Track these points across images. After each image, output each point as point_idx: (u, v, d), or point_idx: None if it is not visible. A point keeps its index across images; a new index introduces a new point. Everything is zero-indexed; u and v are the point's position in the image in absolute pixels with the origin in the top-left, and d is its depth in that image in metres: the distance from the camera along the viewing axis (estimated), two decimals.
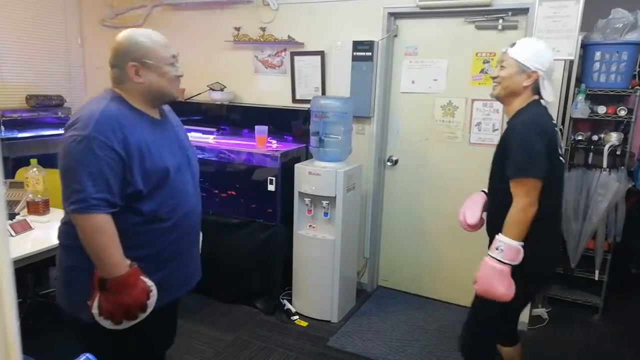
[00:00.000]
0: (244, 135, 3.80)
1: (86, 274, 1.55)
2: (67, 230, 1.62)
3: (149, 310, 1.59)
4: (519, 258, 1.83)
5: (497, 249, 1.85)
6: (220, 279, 3.53)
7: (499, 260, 1.84)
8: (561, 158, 1.98)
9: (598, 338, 3.21)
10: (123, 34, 1.63)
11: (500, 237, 1.85)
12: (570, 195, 3.22)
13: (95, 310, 1.53)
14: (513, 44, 1.99)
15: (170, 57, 1.66)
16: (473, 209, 2.05)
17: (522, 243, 1.83)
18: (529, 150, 1.82)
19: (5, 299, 0.61)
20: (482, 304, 2.05)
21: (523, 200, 1.82)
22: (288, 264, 3.41)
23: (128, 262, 1.55)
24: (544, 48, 1.98)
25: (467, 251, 3.52)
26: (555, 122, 2.04)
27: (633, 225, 3.41)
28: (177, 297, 1.85)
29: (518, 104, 1.96)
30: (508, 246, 1.82)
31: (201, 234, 1.95)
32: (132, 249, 1.59)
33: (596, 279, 3.34)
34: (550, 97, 1.96)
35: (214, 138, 3.76)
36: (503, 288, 1.84)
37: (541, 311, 3.39)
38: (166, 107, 1.83)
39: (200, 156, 3.58)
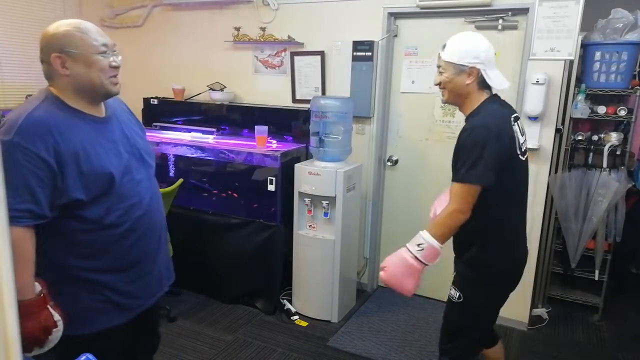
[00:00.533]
0: (244, 135, 3.80)
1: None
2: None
3: (47, 346, 1.43)
4: (435, 261, 1.79)
5: (418, 245, 1.78)
6: (220, 279, 3.53)
7: (416, 257, 1.78)
8: (520, 156, 1.85)
9: (598, 338, 3.21)
10: (49, 26, 1.49)
11: (424, 235, 1.79)
12: (570, 195, 3.22)
13: None
14: (444, 46, 1.91)
15: (100, 45, 1.49)
16: (445, 204, 1.94)
17: (442, 246, 1.80)
18: (473, 156, 1.72)
19: (5, 299, 0.61)
20: (450, 313, 2.07)
21: (454, 205, 1.76)
22: (288, 264, 3.41)
23: (38, 289, 1.42)
24: (474, 39, 1.88)
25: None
26: (515, 113, 1.91)
27: (633, 225, 3.40)
28: (151, 304, 1.75)
29: (470, 104, 1.88)
30: (430, 246, 1.77)
31: (167, 234, 1.86)
32: (89, 259, 1.52)
33: (596, 279, 3.33)
34: (502, 84, 1.86)
35: (214, 138, 3.76)
36: (411, 285, 1.80)
37: (541, 311, 3.39)
38: (114, 102, 1.67)
39: (200, 156, 3.59)
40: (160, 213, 1.76)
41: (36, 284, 1.42)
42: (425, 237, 1.79)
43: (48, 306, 1.44)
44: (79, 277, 1.52)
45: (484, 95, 1.88)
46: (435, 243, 1.78)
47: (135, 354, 1.91)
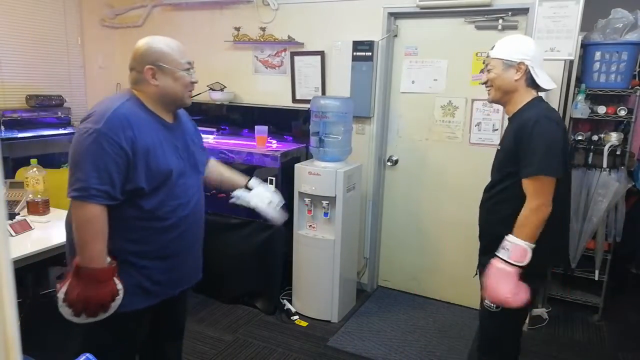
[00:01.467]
0: (244, 135, 3.80)
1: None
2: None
3: (110, 311, 1.62)
4: (526, 259, 1.74)
5: (503, 248, 1.77)
6: (221, 279, 3.53)
7: (505, 261, 1.75)
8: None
9: (598, 338, 3.21)
10: (143, 40, 1.72)
11: (508, 238, 1.77)
12: (570, 195, 3.21)
13: (61, 295, 1.58)
14: (493, 47, 1.94)
15: (186, 63, 1.73)
16: None
17: (532, 244, 1.74)
18: (546, 146, 1.72)
19: (5, 299, 0.61)
20: (489, 325, 2.01)
21: (536, 201, 1.73)
22: (288, 264, 3.41)
23: (109, 259, 1.61)
24: (524, 39, 1.94)
25: (467, 251, 3.52)
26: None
27: (633, 225, 3.41)
28: (176, 294, 1.90)
29: (518, 100, 1.89)
30: (514, 245, 1.74)
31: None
32: (134, 243, 1.68)
33: (596, 279, 3.34)
34: (549, 84, 1.88)
35: (214, 138, 3.76)
36: (507, 289, 1.74)
37: (541, 311, 3.38)
38: (183, 113, 1.90)
39: None
40: (202, 218, 1.95)
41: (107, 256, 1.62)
42: (509, 239, 1.77)
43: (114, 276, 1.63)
44: (125, 259, 1.67)
45: (532, 94, 1.89)
46: (518, 242, 1.74)
47: (160, 342, 2.06)
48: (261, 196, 2.11)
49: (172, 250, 1.78)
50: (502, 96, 1.93)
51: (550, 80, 1.89)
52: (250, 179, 2.17)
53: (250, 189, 2.13)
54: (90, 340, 1.73)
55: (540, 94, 1.93)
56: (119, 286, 1.62)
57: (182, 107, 1.83)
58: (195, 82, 1.80)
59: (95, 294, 1.56)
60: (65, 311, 1.59)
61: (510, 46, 1.88)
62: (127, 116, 1.61)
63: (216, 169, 2.20)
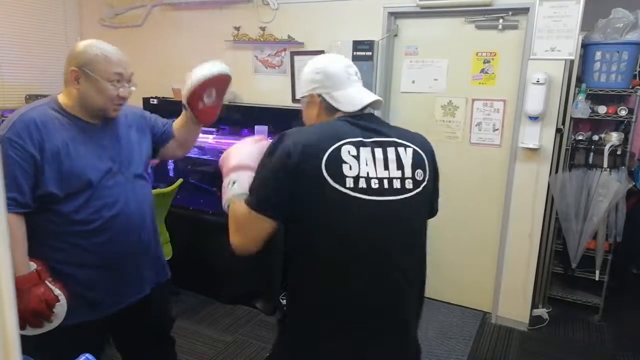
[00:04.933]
0: (244, 135, 3.79)
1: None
2: None
3: (57, 321, 1.56)
4: None
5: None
6: (220, 279, 3.52)
7: None
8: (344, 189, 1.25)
9: (598, 338, 3.21)
10: (86, 41, 1.65)
11: None
12: (570, 195, 3.21)
13: None
14: None
15: (114, 74, 1.62)
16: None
17: None
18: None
19: (5, 299, 0.60)
20: None
21: None
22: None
23: (34, 266, 1.54)
24: (309, 65, 1.48)
25: (467, 251, 3.52)
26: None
27: (633, 226, 3.40)
28: (130, 303, 1.78)
29: None
30: None
31: (163, 235, 1.88)
32: (59, 251, 1.61)
33: (597, 279, 3.33)
34: (353, 104, 1.40)
35: (214, 138, 3.75)
36: None
37: (541, 311, 3.38)
38: (125, 108, 1.79)
39: (199, 156, 3.58)
40: (142, 216, 1.77)
41: (32, 262, 1.55)
42: None
43: (46, 281, 1.56)
44: (52, 267, 1.60)
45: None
46: None
47: (139, 351, 1.99)
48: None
49: (105, 256, 1.67)
50: None
51: (360, 96, 1.42)
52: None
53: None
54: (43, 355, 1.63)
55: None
56: (56, 292, 1.54)
57: (105, 117, 1.69)
58: (124, 97, 1.67)
59: (21, 304, 1.48)
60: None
61: (301, 81, 1.51)
62: (35, 119, 1.55)
63: (176, 128, 1.99)
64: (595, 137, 3.23)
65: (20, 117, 1.55)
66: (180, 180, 3.24)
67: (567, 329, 3.31)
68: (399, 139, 1.35)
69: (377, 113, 3.52)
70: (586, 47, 3.14)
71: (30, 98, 4.01)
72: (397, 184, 1.30)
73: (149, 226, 1.82)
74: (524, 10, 3.02)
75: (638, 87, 3.07)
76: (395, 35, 3.46)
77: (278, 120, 3.70)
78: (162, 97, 4.20)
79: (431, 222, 3.72)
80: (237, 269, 3.55)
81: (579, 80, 3.20)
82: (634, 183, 3.24)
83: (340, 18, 3.52)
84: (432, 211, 1.53)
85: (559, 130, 3.09)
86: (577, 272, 3.41)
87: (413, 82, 3.48)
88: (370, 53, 3.39)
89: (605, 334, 3.26)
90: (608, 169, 3.16)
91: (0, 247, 0.59)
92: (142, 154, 1.84)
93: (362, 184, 1.25)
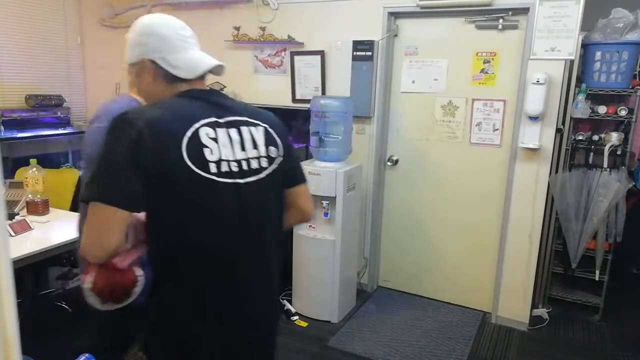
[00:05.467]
0: None
1: None
2: None
3: (132, 297, 1.58)
4: None
5: None
6: None
7: None
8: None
9: (598, 338, 3.21)
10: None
11: None
12: (570, 195, 3.21)
13: (87, 285, 1.55)
14: None
15: None
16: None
17: None
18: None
19: (5, 299, 0.60)
20: None
21: None
22: (288, 265, 3.40)
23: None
24: (135, 27, 1.38)
25: (467, 251, 3.52)
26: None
27: (633, 226, 3.40)
28: None
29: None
30: None
31: None
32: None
33: (597, 279, 3.33)
34: (190, 71, 1.32)
35: None
36: None
37: (542, 311, 3.38)
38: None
39: None
40: None
41: None
42: None
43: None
44: None
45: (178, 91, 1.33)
46: None
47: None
48: None
49: None
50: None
51: (199, 59, 1.36)
52: None
53: None
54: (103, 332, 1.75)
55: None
56: (138, 272, 1.62)
57: None
58: None
59: (121, 280, 1.55)
60: (93, 300, 1.57)
61: (128, 45, 1.38)
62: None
63: None
64: (595, 137, 3.24)
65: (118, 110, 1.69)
66: None
67: (567, 329, 3.31)
68: (250, 117, 1.33)
69: (378, 112, 3.54)
70: (586, 47, 3.14)
71: (30, 98, 4.01)
72: (254, 164, 1.29)
73: None
74: (524, 10, 3.02)
75: (638, 87, 3.07)
76: (395, 35, 3.46)
77: None
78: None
79: (432, 222, 3.70)
80: None
81: (579, 80, 3.20)
82: (634, 183, 3.24)
83: (340, 18, 3.52)
84: (295, 180, 1.46)
85: (559, 130, 3.09)
86: (577, 272, 3.41)
87: (413, 82, 3.48)
88: (370, 53, 3.39)
89: (605, 334, 3.26)
90: (608, 169, 3.16)
91: (0, 249, 0.59)
92: None
93: (225, 167, 1.22)
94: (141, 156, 1.11)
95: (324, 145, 3.22)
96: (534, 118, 3.01)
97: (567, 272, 3.46)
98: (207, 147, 1.20)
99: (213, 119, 1.24)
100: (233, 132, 1.27)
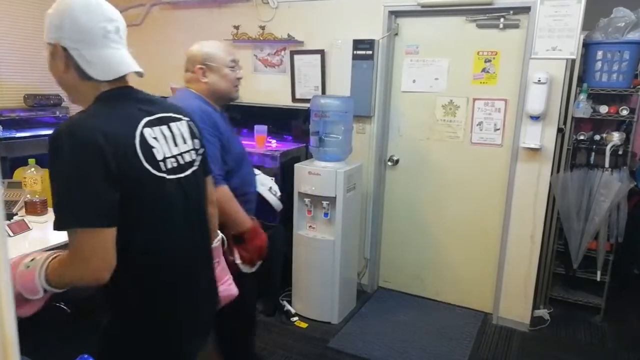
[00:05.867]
0: (243, 134, 3.77)
1: None
2: None
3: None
4: None
5: None
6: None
7: None
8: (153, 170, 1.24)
9: (600, 339, 3.20)
10: (194, 44, 1.99)
11: None
12: (572, 195, 3.20)
13: (238, 261, 1.90)
14: None
15: (230, 61, 1.96)
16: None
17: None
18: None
19: (3, 299, 0.59)
20: None
21: None
22: (288, 265, 3.38)
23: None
24: (57, 2, 1.24)
25: (468, 252, 3.51)
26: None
27: (635, 226, 3.39)
28: None
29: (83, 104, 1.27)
30: None
31: None
32: None
33: (598, 279, 3.32)
34: (104, 72, 1.21)
35: None
36: None
37: (543, 312, 3.37)
38: None
39: None
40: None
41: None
42: None
43: None
44: None
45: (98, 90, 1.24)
46: None
47: None
48: (263, 181, 2.33)
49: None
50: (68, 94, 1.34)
51: (120, 61, 1.25)
52: None
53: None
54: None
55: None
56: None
57: (231, 101, 2.07)
58: (240, 78, 2.02)
59: (262, 240, 1.97)
60: (245, 268, 1.93)
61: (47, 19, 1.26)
62: (208, 111, 1.88)
63: None
64: (597, 137, 3.22)
65: (199, 108, 1.81)
66: None
67: (569, 330, 3.29)
68: (174, 113, 1.37)
69: (378, 112, 3.53)
70: (587, 47, 3.13)
71: (29, 98, 3.99)
72: (187, 158, 1.36)
73: None
74: (525, 10, 3.01)
75: (639, 86, 3.06)
76: (396, 34, 3.45)
77: (278, 119, 3.70)
78: (161, 97, 4.18)
79: (432, 223, 3.68)
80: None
81: (581, 79, 3.19)
82: (635, 183, 3.23)
83: (340, 17, 3.50)
84: (207, 170, 1.54)
85: (560, 130, 3.08)
86: (578, 272, 3.40)
87: (414, 81, 3.46)
88: (370, 52, 3.38)
89: (607, 334, 3.25)
90: (610, 169, 3.15)
91: (0, 249, 0.58)
92: None
93: (169, 164, 1.27)
94: (109, 167, 1.11)
95: (324, 145, 3.21)
96: (535, 118, 3.00)
97: (569, 273, 3.45)
98: (153, 147, 1.23)
99: (147, 118, 1.25)
100: (165, 128, 1.30)
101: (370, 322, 3.33)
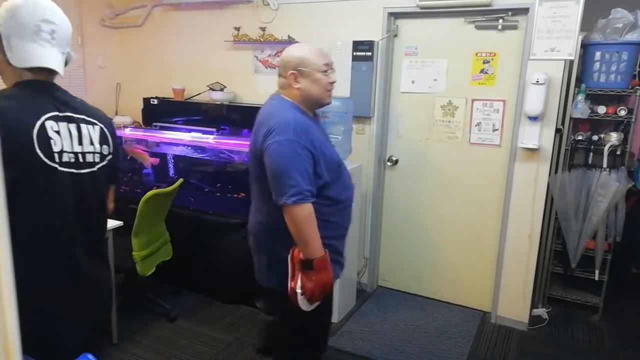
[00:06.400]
0: (244, 135, 3.79)
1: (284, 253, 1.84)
2: (271, 223, 1.88)
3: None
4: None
5: None
6: (220, 279, 3.53)
7: None
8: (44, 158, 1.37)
9: (598, 338, 3.21)
10: (286, 49, 1.99)
11: None
12: (570, 195, 3.22)
13: (299, 290, 1.78)
14: None
15: (323, 65, 1.90)
16: None
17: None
18: None
19: (5, 299, 0.61)
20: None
21: None
22: None
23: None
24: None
25: (467, 251, 3.52)
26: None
27: (633, 225, 3.40)
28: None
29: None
30: None
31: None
32: (327, 229, 1.87)
33: (596, 279, 3.33)
34: (21, 60, 1.36)
35: (214, 138, 3.76)
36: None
37: (541, 311, 3.39)
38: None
39: (200, 156, 3.58)
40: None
41: None
42: None
43: None
44: (324, 244, 1.83)
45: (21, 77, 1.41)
46: None
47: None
48: None
49: (347, 225, 2.05)
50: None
51: (37, 56, 1.37)
52: None
53: None
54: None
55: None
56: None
57: (323, 106, 1.99)
58: (334, 82, 1.94)
59: (328, 276, 1.79)
60: (303, 303, 1.79)
61: None
62: (301, 122, 1.81)
63: None
64: (595, 137, 3.24)
65: (294, 120, 1.78)
66: (180, 180, 3.24)
67: (567, 329, 3.31)
68: (87, 116, 1.50)
69: (377, 113, 3.54)
70: (586, 48, 3.15)
71: None
72: (89, 158, 1.49)
73: None
74: (524, 11, 3.02)
75: (637, 87, 3.07)
76: (395, 35, 3.47)
77: None
78: (162, 97, 4.21)
79: (431, 222, 3.71)
80: (237, 269, 3.57)
81: (579, 80, 3.20)
82: (633, 183, 3.24)
83: (340, 18, 3.52)
84: (115, 179, 1.70)
85: (558, 131, 3.09)
86: (576, 271, 3.41)
87: (413, 82, 3.48)
88: (370, 53, 3.39)
89: (605, 333, 3.26)
90: (607, 169, 3.16)
91: (0, 249, 0.60)
92: None
93: (65, 158, 1.41)
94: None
95: None
96: (533, 118, 3.01)
97: (567, 272, 3.46)
98: (52, 138, 1.38)
99: (55, 113, 1.41)
100: (72, 127, 1.45)
101: (369, 321, 3.35)
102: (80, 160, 1.46)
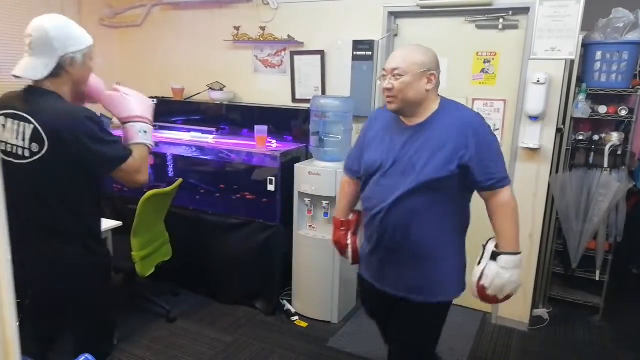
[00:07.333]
0: (244, 135, 3.79)
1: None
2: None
3: (349, 260, 2.19)
4: None
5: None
6: (220, 279, 3.52)
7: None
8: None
9: (599, 338, 3.21)
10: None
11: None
12: (571, 195, 3.21)
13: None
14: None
15: (382, 69, 1.93)
16: None
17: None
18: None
19: (4, 299, 0.60)
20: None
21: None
22: (288, 265, 3.39)
23: (350, 216, 2.18)
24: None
25: (467, 251, 3.51)
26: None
27: (634, 226, 3.40)
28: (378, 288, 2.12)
29: None
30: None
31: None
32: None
33: (597, 279, 3.33)
34: (23, 71, 1.68)
35: (214, 138, 3.75)
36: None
37: (542, 312, 3.38)
38: (450, 117, 1.91)
39: (199, 156, 3.58)
40: (381, 217, 1.87)
41: (351, 214, 2.17)
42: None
43: (347, 231, 2.16)
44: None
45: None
46: None
47: None
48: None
49: (370, 240, 2.02)
50: None
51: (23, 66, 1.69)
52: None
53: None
54: None
55: None
56: (348, 241, 2.14)
57: (391, 110, 1.87)
58: (387, 88, 1.85)
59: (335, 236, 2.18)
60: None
61: None
62: (375, 112, 2.10)
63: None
64: (596, 137, 3.23)
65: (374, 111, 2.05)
66: (180, 180, 3.23)
67: (568, 330, 3.30)
68: (30, 115, 1.63)
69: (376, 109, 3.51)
70: (586, 47, 3.14)
71: None
72: (20, 152, 1.65)
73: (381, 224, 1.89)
74: (525, 10, 3.01)
75: (638, 86, 3.06)
76: (396, 35, 3.46)
77: (278, 120, 3.70)
78: (162, 97, 4.20)
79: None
80: (237, 270, 3.57)
81: (580, 80, 3.19)
82: (634, 183, 3.24)
83: (340, 18, 3.51)
84: (96, 171, 1.80)
85: (559, 130, 3.08)
86: (577, 272, 3.41)
87: None
88: (370, 53, 3.39)
89: (606, 334, 3.26)
90: (608, 169, 3.15)
91: (0, 249, 0.59)
92: (433, 166, 1.78)
93: (2, 147, 1.66)
94: None
95: (324, 145, 3.22)
96: (534, 118, 3.00)
97: (568, 272, 3.46)
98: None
99: (10, 111, 1.66)
100: (15, 123, 1.65)
101: (369, 322, 3.32)
102: (13, 151, 1.65)
